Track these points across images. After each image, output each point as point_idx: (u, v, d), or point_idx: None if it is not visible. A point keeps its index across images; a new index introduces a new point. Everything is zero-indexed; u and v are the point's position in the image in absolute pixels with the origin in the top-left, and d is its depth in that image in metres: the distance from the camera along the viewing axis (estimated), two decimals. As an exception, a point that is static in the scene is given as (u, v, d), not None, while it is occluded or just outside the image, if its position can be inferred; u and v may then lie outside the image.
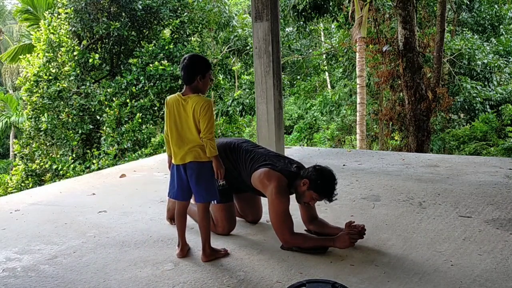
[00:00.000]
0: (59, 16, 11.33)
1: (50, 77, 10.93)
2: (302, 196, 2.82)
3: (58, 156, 11.17)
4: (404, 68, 9.17)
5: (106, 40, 12.00)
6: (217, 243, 2.89)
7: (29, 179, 10.74)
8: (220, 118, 14.98)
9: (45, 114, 10.82)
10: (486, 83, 15.12)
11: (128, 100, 10.60)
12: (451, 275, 2.40)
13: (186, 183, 2.68)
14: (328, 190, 2.74)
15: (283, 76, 20.29)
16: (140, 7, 11.35)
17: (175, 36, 12.13)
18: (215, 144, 2.66)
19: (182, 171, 2.68)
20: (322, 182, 2.73)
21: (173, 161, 2.73)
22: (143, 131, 10.58)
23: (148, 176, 5.01)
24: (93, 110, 10.89)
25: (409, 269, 2.49)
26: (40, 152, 10.97)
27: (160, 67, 10.74)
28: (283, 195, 2.77)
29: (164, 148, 10.53)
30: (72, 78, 11.04)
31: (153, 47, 11.27)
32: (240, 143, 3.11)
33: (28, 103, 11.12)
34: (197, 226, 3.21)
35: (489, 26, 17.94)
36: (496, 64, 15.19)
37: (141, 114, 10.48)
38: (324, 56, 20.73)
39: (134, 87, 10.83)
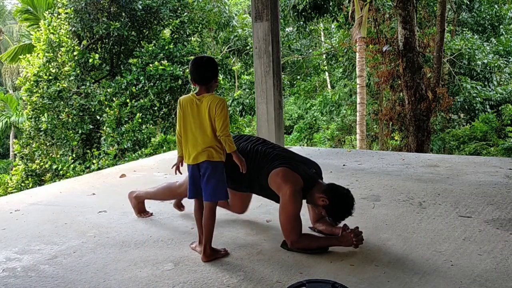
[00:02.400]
0: (59, 16, 11.33)
1: (50, 77, 10.94)
2: (316, 206, 2.82)
3: (58, 156, 11.18)
4: (404, 68, 9.17)
5: (106, 40, 12.00)
6: (217, 243, 2.90)
7: (29, 179, 10.74)
8: (220, 118, 14.94)
9: (45, 114, 10.83)
10: (486, 83, 15.12)
11: (128, 100, 10.60)
12: (451, 275, 2.40)
13: (199, 182, 2.72)
14: (339, 218, 2.75)
15: (283, 76, 20.29)
16: (140, 7, 11.35)
17: (175, 36, 12.14)
18: (232, 139, 2.70)
19: (196, 170, 2.71)
20: (338, 212, 2.73)
21: (185, 161, 2.75)
22: (143, 131, 10.59)
23: (148, 176, 5.01)
24: (93, 110, 10.89)
25: (409, 269, 2.49)
26: (40, 152, 10.97)
27: (160, 67, 10.74)
28: (297, 198, 2.73)
29: (164, 148, 10.56)
30: (72, 78, 11.05)
31: (153, 47, 11.28)
32: (255, 146, 2.99)
33: (28, 103, 11.13)
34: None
35: (489, 26, 17.94)
36: (496, 64, 15.19)
37: (141, 114, 10.48)
38: (324, 56, 20.73)
39: (134, 87, 10.84)
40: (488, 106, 14.65)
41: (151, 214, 3.53)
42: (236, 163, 2.71)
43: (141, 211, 3.53)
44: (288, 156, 2.96)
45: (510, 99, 14.80)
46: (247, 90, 17.96)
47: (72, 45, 11.06)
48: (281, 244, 2.82)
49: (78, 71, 11.01)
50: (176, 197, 3.40)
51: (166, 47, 11.34)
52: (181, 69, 10.98)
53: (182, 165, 2.83)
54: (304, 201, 2.85)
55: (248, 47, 17.57)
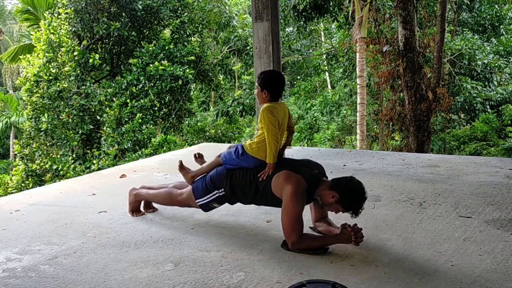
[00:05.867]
0: (59, 16, 11.34)
1: (50, 77, 10.94)
2: (328, 206, 2.79)
3: (58, 156, 11.19)
4: (405, 68, 9.17)
5: (106, 40, 12.01)
6: (217, 243, 2.90)
7: (29, 179, 10.74)
8: (220, 118, 14.99)
9: (45, 114, 10.84)
10: (486, 83, 15.12)
11: (128, 100, 10.60)
12: (451, 275, 2.40)
13: None
14: (356, 207, 2.70)
15: (284, 76, 20.26)
16: (140, 7, 11.36)
17: (175, 36, 12.14)
18: None
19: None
20: (352, 200, 2.69)
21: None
22: (143, 131, 10.59)
23: (148, 177, 5.01)
24: (93, 110, 10.90)
25: (410, 269, 2.49)
26: (40, 152, 10.98)
27: (160, 67, 10.75)
28: (299, 198, 2.72)
29: (165, 148, 10.57)
30: (72, 78, 11.06)
31: (153, 47, 11.28)
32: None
33: (28, 103, 11.13)
34: (197, 227, 3.22)
35: (489, 26, 17.94)
36: (496, 64, 15.19)
37: (141, 114, 10.48)
38: (324, 56, 20.74)
39: (134, 87, 10.84)
40: (488, 106, 14.64)
41: (144, 214, 3.54)
42: (244, 178, 2.95)
43: (135, 209, 3.53)
44: (288, 162, 2.97)
45: (511, 99, 14.79)
46: (247, 90, 17.98)
47: (72, 45, 11.06)
48: (281, 244, 2.82)
49: (78, 71, 11.01)
50: (173, 205, 3.38)
51: (166, 47, 11.34)
52: (181, 69, 10.98)
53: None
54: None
55: (248, 47, 17.57)
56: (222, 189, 3.01)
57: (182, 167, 3.25)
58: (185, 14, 12.37)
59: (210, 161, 3.16)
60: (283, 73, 3.73)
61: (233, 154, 2.99)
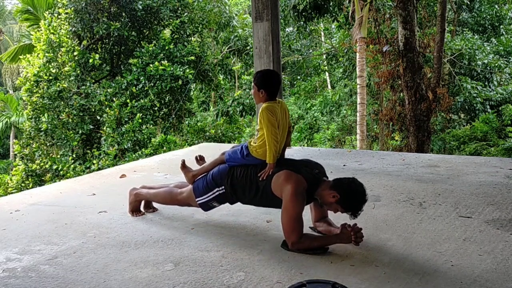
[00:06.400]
0: (59, 16, 11.35)
1: (50, 77, 10.95)
2: (328, 206, 2.79)
3: (58, 156, 11.19)
4: (405, 68, 9.17)
5: (106, 40, 12.01)
6: (217, 243, 2.90)
7: (29, 179, 10.74)
8: (220, 118, 14.98)
9: (45, 114, 10.84)
10: (486, 83, 15.13)
11: (128, 100, 10.60)
12: (451, 275, 2.40)
13: None
14: (356, 209, 2.69)
15: (284, 76, 20.30)
16: (140, 7, 11.36)
17: (175, 36, 12.14)
18: None
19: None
20: (352, 201, 2.68)
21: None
22: (143, 131, 10.59)
23: (148, 177, 5.01)
24: (93, 110, 10.90)
25: (410, 269, 2.49)
26: (40, 152, 10.98)
27: (160, 67, 10.75)
28: (299, 198, 2.72)
29: (165, 148, 10.57)
30: (72, 78, 11.06)
31: (153, 47, 11.29)
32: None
33: (28, 103, 11.14)
34: (197, 227, 3.22)
35: (489, 26, 17.95)
36: (496, 64, 15.19)
37: (141, 114, 10.48)
38: (324, 56, 20.75)
39: (134, 87, 10.84)
40: (488, 106, 14.65)
41: (144, 214, 3.54)
42: (245, 176, 2.95)
43: (135, 209, 3.53)
44: (289, 162, 2.97)
45: (511, 99, 14.79)
46: (247, 90, 17.98)
47: (72, 45, 11.07)
48: (281, 244, 2.81)
49: (78, 71, 11.01)
50: (174, 204, 3.38)
51: (166, 47, 11.34)
52: (181, 69, 10.99)
53: None
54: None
55: (248, 47, 17.58)
56: (223, 187, 3.01)
57: (184, 166, 3.25)
58: (185, 14, 12.37)
59: (212, 160, 3.17)
60: (282, 73, 3.75)
61: (238, 154, 3.00)
